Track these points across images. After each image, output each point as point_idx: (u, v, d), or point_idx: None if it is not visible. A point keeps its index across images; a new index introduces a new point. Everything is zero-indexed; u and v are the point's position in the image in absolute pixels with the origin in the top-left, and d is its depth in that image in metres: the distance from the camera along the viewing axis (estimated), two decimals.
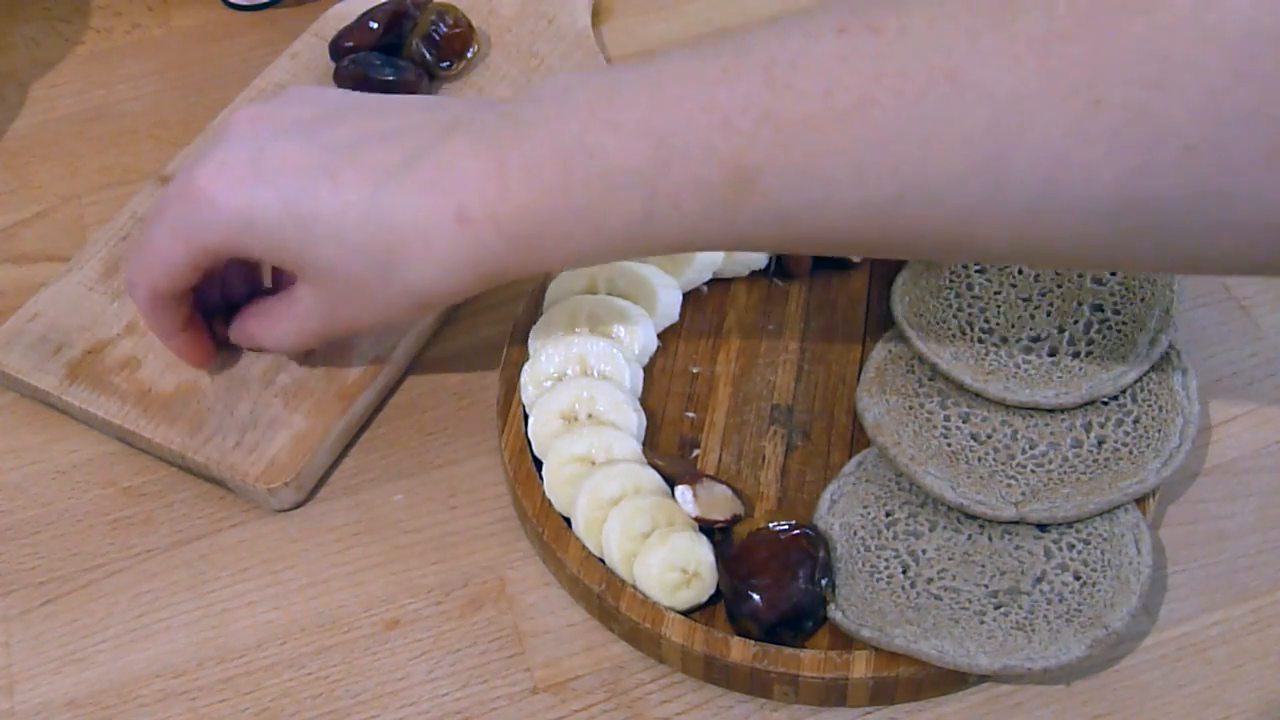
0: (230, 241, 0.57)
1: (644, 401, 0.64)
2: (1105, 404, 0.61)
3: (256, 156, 0.56)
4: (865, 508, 0.59)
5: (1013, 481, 0.58)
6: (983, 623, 0.55)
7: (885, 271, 0.68)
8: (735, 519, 0.59)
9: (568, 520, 0.60)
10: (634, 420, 0.62)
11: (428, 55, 0.78)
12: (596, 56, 0.80)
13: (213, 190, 0.56)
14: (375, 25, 0.78)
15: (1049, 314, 0.64)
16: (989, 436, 0.60)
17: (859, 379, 0.64)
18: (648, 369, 0.65)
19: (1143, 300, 0.63)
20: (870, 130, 0.48)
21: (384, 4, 0.80)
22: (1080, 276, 0.65)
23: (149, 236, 0.59)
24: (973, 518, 0.58)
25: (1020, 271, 0.65)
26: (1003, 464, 0.59)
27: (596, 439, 0.60)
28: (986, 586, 0.56)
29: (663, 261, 0.66)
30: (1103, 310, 0.63)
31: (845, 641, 0.56)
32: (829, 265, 0.68)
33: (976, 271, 0.66)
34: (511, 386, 0.64)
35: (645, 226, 0.52)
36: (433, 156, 0.54)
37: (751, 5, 0.86)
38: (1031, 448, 0.60)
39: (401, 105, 0.59)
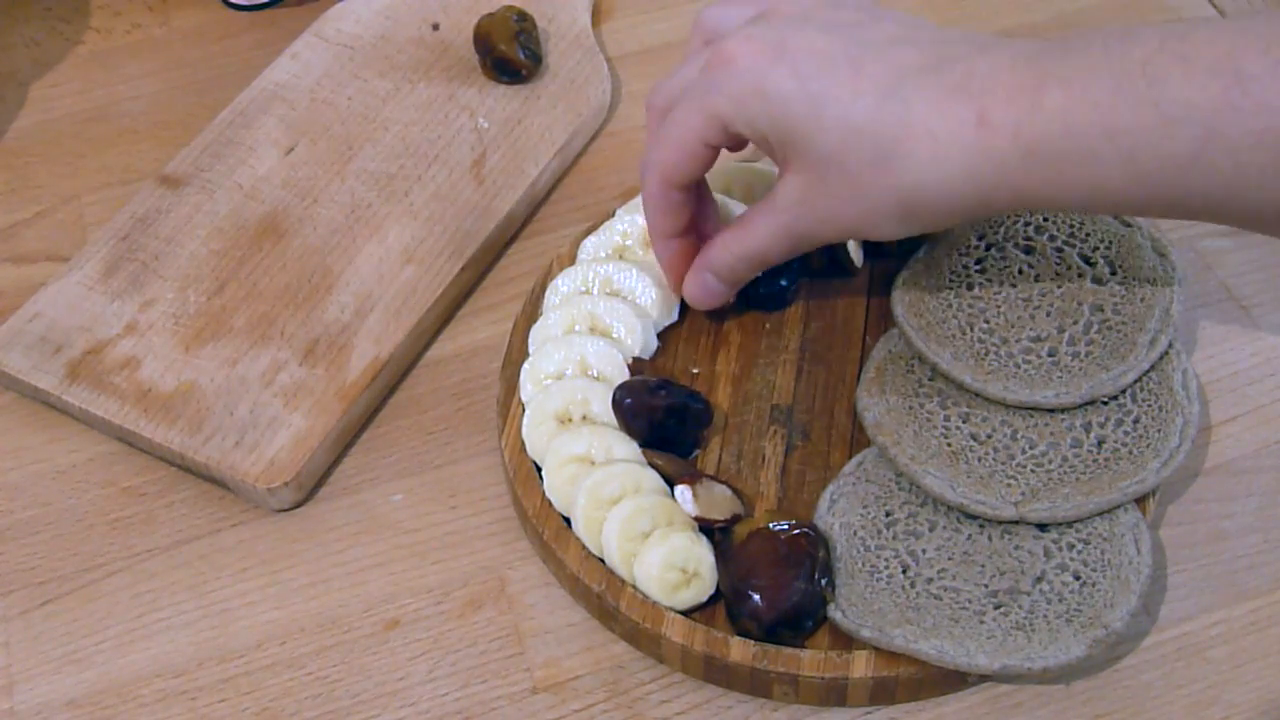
0: (741, 109, 0.57)
1: None
2: (1105, 404, 0.61)
3: (784, 38, 0.57)
4: (865, 508, 0.59)
5: (1013, 481, 0.58)
6: (982, 623, 0.55)
7: (885, 271, 0.68)
8: (735, 519, 0.59)
9: (568, 520, 0.60)
10: None
11: (523, 56, 0.78)
12: (597, 56, 0.80)
13: (736, 55, 0.57)
14: None
15: (1049, 314, 0.64)
16: (989, 436, 0.60)
17: (859, 379, 0.64)
18: None
19: (1143, 300, 0.63)
20: None
21: None
22: (1080, 276, 0.64)
23: (672, 116, 0.60)
24: (973, 518, 0.58)
25: (1020, 271, 0.65)
26: (1003, 464, 0.59)
27: (596, 439, 0.60)
28: (986, 586, 0.56)
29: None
30: (1103, 310, 0.63)
31: (845, 641, 0.56)
32: (828, 270, 0.68)
33: (977, 271, 0.66)
34: (512, 386, 0.64)
35: (1186, 171, 0.49)
36: (964, 65, 0.54)
37: None
38: (1031, 448, 0.60)
39: (943, 29, 0.58)
